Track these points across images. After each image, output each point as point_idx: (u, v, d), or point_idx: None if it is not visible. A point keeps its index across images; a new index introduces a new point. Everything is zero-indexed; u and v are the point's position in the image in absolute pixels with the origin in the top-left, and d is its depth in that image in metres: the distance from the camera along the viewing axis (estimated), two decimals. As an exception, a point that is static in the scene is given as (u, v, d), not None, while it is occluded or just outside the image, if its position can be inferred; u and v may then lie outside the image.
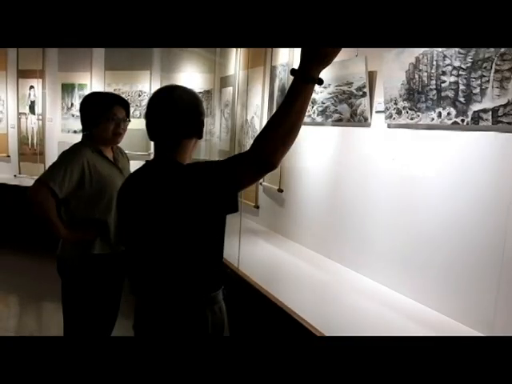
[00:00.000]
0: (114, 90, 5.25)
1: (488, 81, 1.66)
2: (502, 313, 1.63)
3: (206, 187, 1.21)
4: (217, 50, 4.45)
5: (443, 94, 1.85)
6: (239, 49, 3.99)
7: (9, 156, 5.95)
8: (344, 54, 2.51)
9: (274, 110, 3.32)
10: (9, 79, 5.84)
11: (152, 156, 1.39)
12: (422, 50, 1.93)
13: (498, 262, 1.65)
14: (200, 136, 1.37)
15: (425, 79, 1.94)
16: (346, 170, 2.54)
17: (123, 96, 2.35)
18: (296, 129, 1.16)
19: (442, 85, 1.85)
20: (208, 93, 4.55)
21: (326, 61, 1.19)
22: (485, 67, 1.66)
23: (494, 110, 1.64)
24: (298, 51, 3.16)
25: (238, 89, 3.96)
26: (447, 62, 1.82)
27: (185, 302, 1.30)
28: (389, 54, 2.09)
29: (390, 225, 2.19)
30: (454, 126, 1.81)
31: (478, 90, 1.70)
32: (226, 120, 4.23)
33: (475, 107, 1.72)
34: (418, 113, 1.98)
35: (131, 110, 2.26)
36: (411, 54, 1.98)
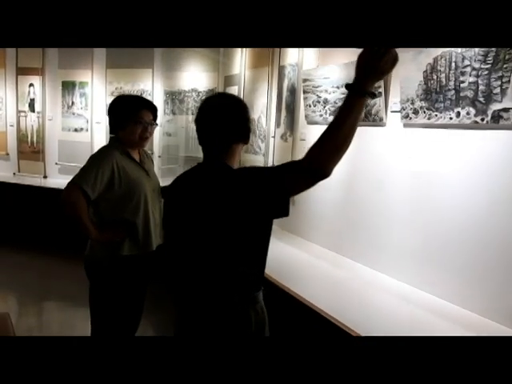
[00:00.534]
0: (116, 88, 5.25)
1: (509, 81, 1.70)
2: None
3: (260, 192, 1.25)
4: (221, 50, 4.46)
5: (462, 94, 1.89)
6: (244, 48, 4.01)
7: (8, 154, 5.91)
8: (357, 54, 2.56)
9: (283, 109, 3.37)
10: (8, 77, 5.81)
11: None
12: (439, 51, 1.97)
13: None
14: (247, 141, 1.42)
15: (443, 80, 1.98)
16: (359, 168, 2.57)
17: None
18: (350, 140, 1.21)
19: (461, 85, 1.89)
20: (212, 91, 4.56)
21: (382, 76, 1.24)
22: (505, 68, 1.71)
23: (515, 110, 1.68)
24: (307, 52, 3.20)
25: (243, 88, 3.99)
26: (466, 62, 1.86)
27: (230, 301, 1.32)
28: (406, 54, 2.12)
29: (406, 223, 2.23)
30: (474, 125, 1.86)
31: (498, 90, 1.74)
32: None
33: (495, 106, 1.76)
34: (436, 112, 2.03)
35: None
36: (429, 55, 2.02)
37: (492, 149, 1.84)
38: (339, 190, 2.72)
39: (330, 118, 2.77)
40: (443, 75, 1.98)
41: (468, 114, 1.88)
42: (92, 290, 2.13)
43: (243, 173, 1.33)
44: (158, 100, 4.91)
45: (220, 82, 4.49)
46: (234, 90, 4.19)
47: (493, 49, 1.74)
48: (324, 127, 2.90)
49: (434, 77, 2.02)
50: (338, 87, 2.66)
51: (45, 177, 5.69)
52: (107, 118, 2.19)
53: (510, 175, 1.76)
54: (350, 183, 2.66)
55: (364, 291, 2.19)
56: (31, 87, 5.68)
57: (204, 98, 1.51)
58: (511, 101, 1.70)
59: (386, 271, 2.34)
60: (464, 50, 1.85)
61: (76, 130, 5.49)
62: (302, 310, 2.00)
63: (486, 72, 1.78)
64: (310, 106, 2.95)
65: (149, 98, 4.39)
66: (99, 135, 5.36)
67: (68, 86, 5.50)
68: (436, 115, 2.03)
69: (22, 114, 5.79)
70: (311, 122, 3.01)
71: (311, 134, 3.06)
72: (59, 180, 5.48)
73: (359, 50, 2.47)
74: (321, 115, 2.86)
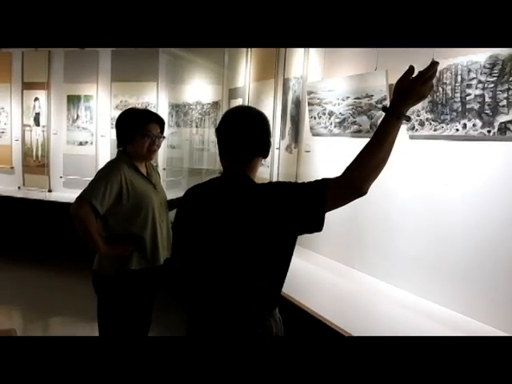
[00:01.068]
0: (121, 101, 5.30)
1: (515, 94, 1.72)
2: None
3: (297, 206, 1.26)
4: (225, 62, 4.50)
5: (468, 106, 1.91)
6: (249, 61, 4.05)
7: (13, 168, 5.94)
8: (362, 67, 2.59)
9: (287, 121, 3.39)
10: (13, 91, 5.86)
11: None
12: (445, 63, 1.99)
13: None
14: (266, 155, 1.42)
15: (449, 92, 1.99)
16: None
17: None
18: (386, 159, 1.25)
19: (467, 97, 1.90)
20: (216, 104, 4.59)
21: (420, 100, 1.29)
22: (511, 81, 1.73)
23: (522, 122, 1.70)
24: (312, 64, 3.22)
25: (248, 100, 4.01)
26: (472, 75, 1.88)
27: (250, 313, 1.32)
28: (411, 67, 2.15)
29: (412, 234, 2.24)
30: (480, 137, 1.87)
31: (504, 102, 1.76)
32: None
33: (502, 118, 1.77)
34: (442, 124, 2.04)
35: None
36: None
37: (499, 160, 1.84)
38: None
39: (335, 130, 2.79)
40: (449, 87, 1.99)
41: (474, 125, 1.89)
42: (100, 305, 2.13)
43: (274, 188, 1.33)
44: (163, 113, 4.94)
45: (224, 94, 4.52)
46: (238, 103, 4.22)
47: (499, 61, 1.75)
48: (329, 139, 2.96)
49: (440, 89, 2.03)
50: (343, 99, 2.68)
51: (49, 191, 5.71)
52: (115, 132, 2.20)
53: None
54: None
55: (371, 302, 2.18)
56: (36, 101, 5.73)
57: (227, 110, 1.50)
58: (518, 113, 1.72)
59: (394, 282, 2.33)
60: (470, 62, 1.87)
61: (81, 144, 5.53)
62: (310, 321, 1.99)
63: (492, 84, 1.80)
64: (314, 118, 2.97)
65: (153, 110, 4.43)
66: (104, 148, 5.40)
67: (73, 100, 5.54)
68: (442, 127, 2.04)
69: (27, 128, 5.83)
70: (316, 134, 3.03)
71: (316, 145, 3.08)
72: (64, 194, 5.52)
73: (366, 64, 2.52)
74: (326, 127, 2.87)
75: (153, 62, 5.09)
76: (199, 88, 4.80)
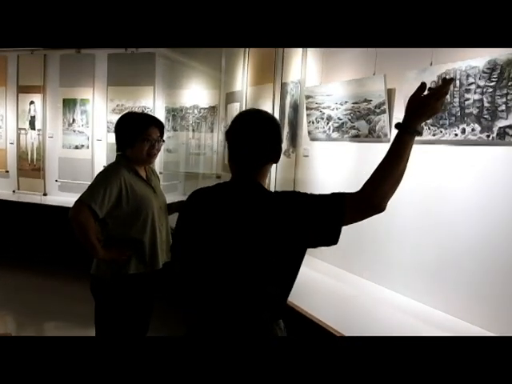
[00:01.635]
0: (117, 105, 5.28)
1: (514, 98, 1.73)
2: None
3: (314, 219, 1.25)
4: (222, 67, 4.51)
5: (467, 111, 1.92)
6: (246, 65, 4.06)
7: (7, 171, 5.90)
8: (360, 72, 2.60)
9: (285, 125, 3.40)
10: (8, 94, 5.83)
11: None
12: (444, 69, 2.01)
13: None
14: (277, 160, 1.40)
15: (447, 97, 2.00)
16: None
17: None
18: (403, 174, 1.26)
19: (466, 102, 1.92)
20: (213, 108, 4.59)
21: (432, 116, 1.31)
22: (510, 85, 1.74)
23: (521, 126, 1.71)
24: (310, 69, 3.23)
25: (245, 105, 4.02)
26: (471, 80, 1.89)
27: (262, 318, 1.31)
28: (410, 72, 2.16)
29: (412, 239, 2.24)
30: (479, 141, 1.88)
31: (503, 107, 1.77)
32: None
33: (501, 123, 1.79)
34: (441, 129, 2.05)
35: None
36: (433, 72, 2.05)
37: (498, 165, 1.85)
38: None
39: (334, 135, 2.79)
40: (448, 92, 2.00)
41: (473, 130, 1.90)
42: (97, 309, 2.11)
43: (289, 197, 1.30)
44: (160, 117, 4.92)
45: (221, 98, 4.52)
46: (235, 107, 4.22)
47: (497, 66, 1.77)
48: (327, 143, 2.94)
49: (439, 94, 2.04)
50: (341, 104, 2.69)
51: (45, 194, 5.68)
52: (114, 136, 2.19)
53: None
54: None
55: (372, 308, 2.18)
56: (32, 105, 5.70)
57: (238, 113, 1.49)
58: (517, 117, 1.73)
59: (395, 288, 2.34)
60: (468, 67, 1.88)
61: (77, 147, 5.50)
62: (310, 326, 1.98)
63: (490, 89, 1.81)
64: (313, 123, 2.98)
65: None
66: (100, 152, 5.37)
67: (69, 104, 5.52)
68: (441, 131, 2.05)
69: (23, 131, 5.80)
70: (314, 139, 3.03)
71: (314, 150, 3.09)
72: (59, 197, 5.49)
73: (364, 69, 2.52)
74: (324, 131, 2.88)
75: (149, 66, 5.08)
76: (196, 92, 4.80)
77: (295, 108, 3.24)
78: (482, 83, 1.84)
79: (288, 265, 1.32)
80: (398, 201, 2.31)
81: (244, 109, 4.05)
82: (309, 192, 1.33)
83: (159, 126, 2.17)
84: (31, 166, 5.75)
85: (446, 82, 1.29)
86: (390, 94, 2.40)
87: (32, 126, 5.74)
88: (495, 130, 1.81)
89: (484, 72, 1.83)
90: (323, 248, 1.32)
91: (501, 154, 1.83)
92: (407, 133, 1.24)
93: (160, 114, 4.98)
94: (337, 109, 2.74)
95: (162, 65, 5.11)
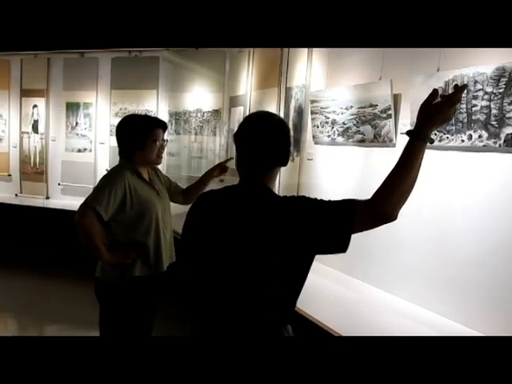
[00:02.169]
0: (120, 108, 5.29)
1: (522, 105, 1.73)
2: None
3: (324, 225, 1.23)
4: (226, 70, 4.51)
5: (474, 117, 1.92)
6: (250, 69, 4.07)
7: (10, 175, 5.91)
8: (366, 76, 2.60)
9: (290, 129, 3.40)
10: (12, 98, 5.84)
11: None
12: (451, 75, 2.01)
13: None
14: (286, 164, 1.39)
15: (454, 103, 2.00)
16: (369, 189, 2.56)
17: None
18: (414, 182, 1.23)
19: (473, 108, 1.92)
20: (217, 112, 4.59)
21: (444, 123, 1.30)
22: (518, 92, 1.74)
23: (529, 133, 1.71)
24: (315, 73, 3.23)
25: (249, 109, 4.02)
26: (478, 86, 1.89)
27: (267, 319, 1.31)
28: (416, 78, 2.16)
29: (417, 245, 2.24)
30: (486, 148, 1.88)
31: (511, 114, 1.77)
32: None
33: (508, 130, 1.78)
34: (447, 135, 2.05)
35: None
36: (440, 78, 2.05)
37: (504, 172, 1.85)
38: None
39: (338, 139, 2.79)
40: (454, 98, 2.00)
41: (480, 137, 1.90)
42: (102, 312, 2.11)
43: (298, 202, 1.29)
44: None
45: (225, 102, 4.53)
46: (239, 111, 4.23)
47: (505, 73, 1.77)
48: (331, 148, 2.95)
49: (446, 100, 2.04)
50: (346, 108, 2.69)
51: (47, 197, 5.68)
52: (118, 139, 2.16)
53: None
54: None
55: (373, 311, 2.18)
56: (35, 108, 5.71)
57: (246, 115, 1.47)
58: (525, 124, 1.73)
59: (398, 293, 2.33)
60: (476, 73, 1.88)
61: (79, 151, 5.51)
62: (312, 329, 1.98)
63: (498, 96, 1.81)
64: (317, 127, 2.98)
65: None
66: (103, 156, 5.38)
67: (72, 107, 5.53)
68: (447, 137, 2.05)
69: (26, 135, 5.81)
70: (318, 143, 3.03)
71: (318, 154, 3.09)
72: (62, 201, 5.49)
73: (370, 74, 2.52)
74: (329, 136, 2.88)
75: (153, 70, 5.09)
76: (200, 96, 4.81)
77: (300, 112, 3.25)
78: (489, 90, 1.84)
79: (293, 268, 1.31)
80: (404, 207, 2.33)
81: (248, 113, 4.05)
82: (313, 196, 1.31)
83: (163, 126, 2.18)
84: (34, 170, 5.76)
85: (458, 89, 1.27)
86: (396, 99, 2.39)
87: (35, 129, 5.75)
88: (503, 136, 1.81)
89: (492, 78, 1.83)
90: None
91: (507, 160, 1.82)
92: (420, 140, 1.23)
93: (163, 118, 4.97)
94: (342, 113, 2.74)
95: (165, 68, 5.12)
